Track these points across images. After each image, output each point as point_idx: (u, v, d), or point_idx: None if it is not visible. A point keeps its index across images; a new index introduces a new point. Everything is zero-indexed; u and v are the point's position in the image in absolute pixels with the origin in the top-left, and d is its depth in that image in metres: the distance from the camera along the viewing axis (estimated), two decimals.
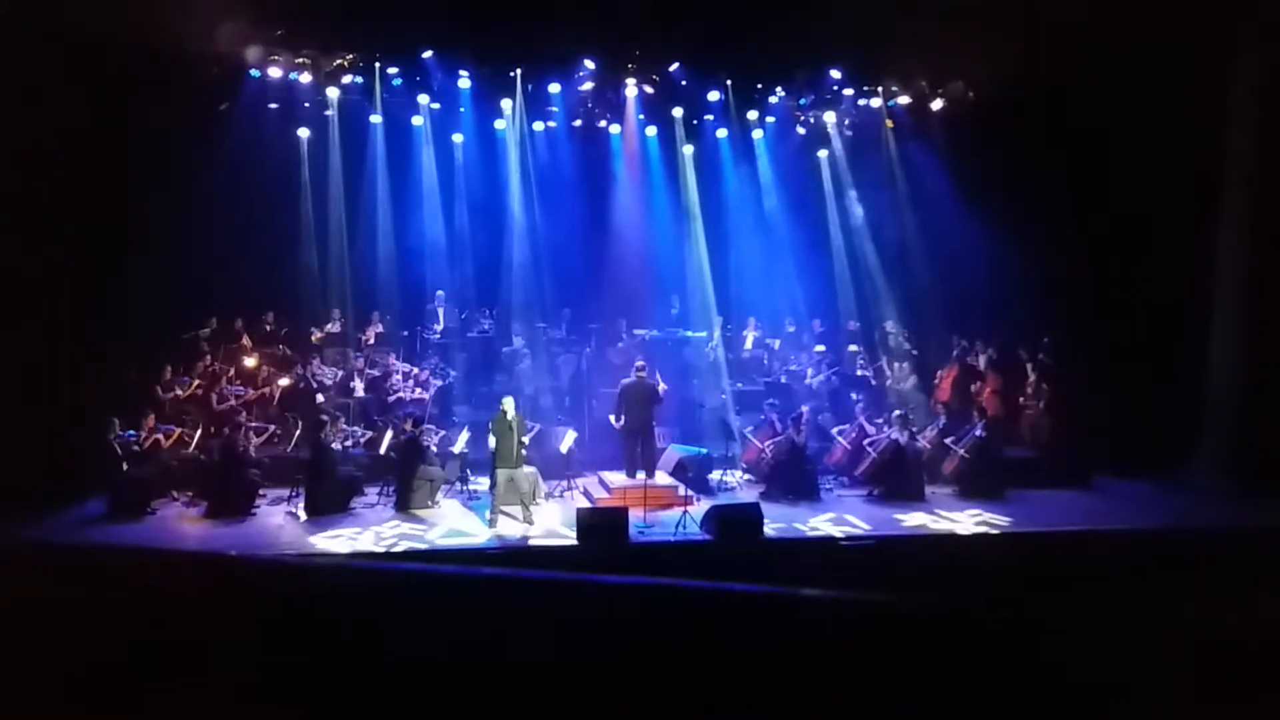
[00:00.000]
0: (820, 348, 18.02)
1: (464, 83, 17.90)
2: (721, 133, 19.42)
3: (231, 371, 15.95)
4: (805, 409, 15.39)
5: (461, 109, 18.43)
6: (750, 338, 18.59)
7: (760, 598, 2.29)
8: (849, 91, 18.94)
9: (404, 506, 13.47)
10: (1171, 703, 2.27)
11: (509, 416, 13.22)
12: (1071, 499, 14.54)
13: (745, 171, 19.45)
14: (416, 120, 18.41)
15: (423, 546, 11.94)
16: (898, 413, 15.28)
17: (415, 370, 16.45)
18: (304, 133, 17.67)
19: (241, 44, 16.15)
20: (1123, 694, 2.25)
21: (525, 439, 13.52)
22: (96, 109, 14.40)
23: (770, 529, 12.35)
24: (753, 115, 19.21)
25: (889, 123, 19.19)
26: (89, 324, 14.30)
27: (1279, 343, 14.93)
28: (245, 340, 16.79)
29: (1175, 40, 14.84)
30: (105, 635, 2.28)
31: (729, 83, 18.64)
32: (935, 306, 18.31)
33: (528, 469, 13.29)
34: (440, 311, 18.06)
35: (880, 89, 18.87)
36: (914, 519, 13.38)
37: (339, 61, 17.37)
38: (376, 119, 18.04)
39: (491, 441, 13.27)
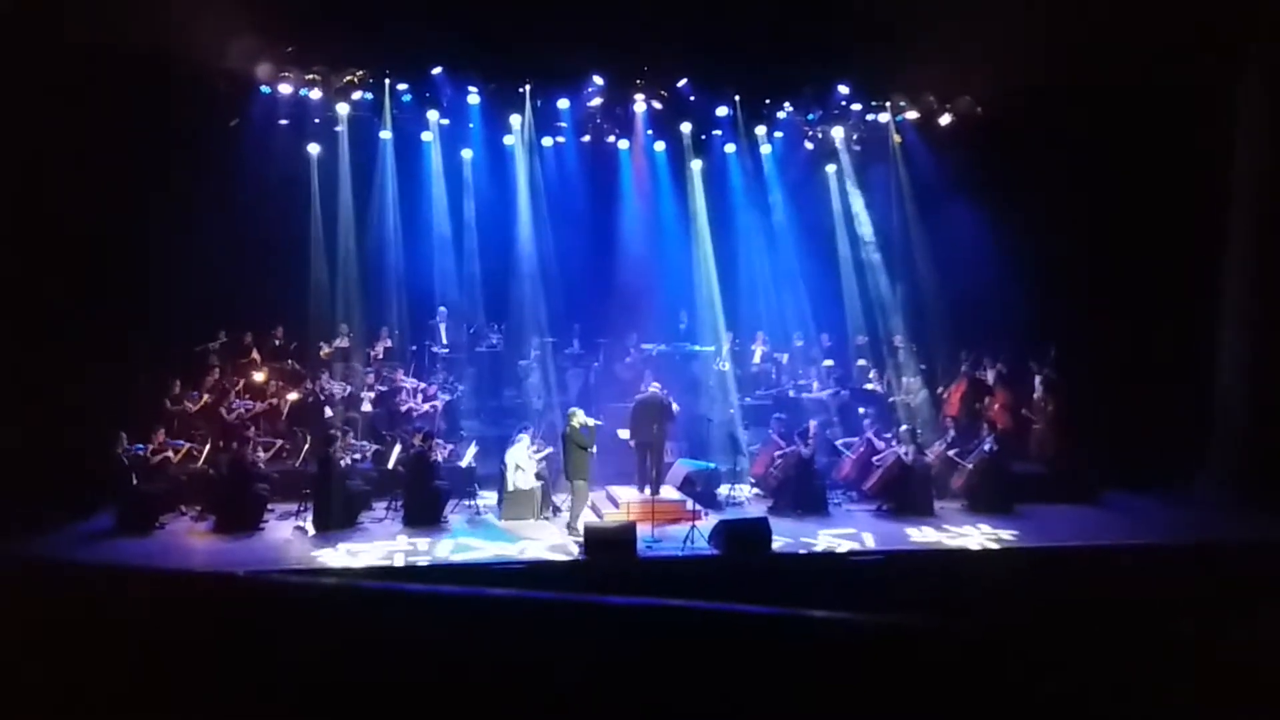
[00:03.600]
0: (828, 362, 18.02)
1: (473, 99, 17.97)
2: (730, 148, 19.44)
3: (240, 385, 15.97)
4: (813, 423, 15.38)
5: (471, 125, 18.50)
6: (758, 352, 18.58)
7: (767, 619, 2.29)
8: (857, 106, 18.97)
9: (411, 521, 13.47)
10: (1177, 717, 2.27)
11: (590, 424, 13.26)
12: (1080, 513, 14.51)
13: (753, 186, 19.45)
14: (426, 136, 18.48)
15: (430, 561, 11.94)
16: (905, 427, 15.26)
17: (423, 385, 16.47)
18: (314, 148, 17.71)
19: (252, 60, 16.23)
20: (1129, 709, 2.25)
21: (593, 448, 13.54)
22: (108, 123, 14.47)
23: (778, 543, 12.34)
24: (761, 130, 19.25)
25: (897, 137, 19.19)
26: (97, 337, 14.35)
27: None
28: (254, 354, 16.84)
29: (1182, 48, 14.83)
30: (110, 652, 2.29)
31: (737, 98, 18.67)
32: (943, 320, 18.29)
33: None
34: (442, 328, 18.08)
35: (888, 104, 18.89)
36: (922, 534, 13.37)
37: (349, 78, 17.43)
38: (386, 135, 18.09)
39: (570, 451, 13.30)
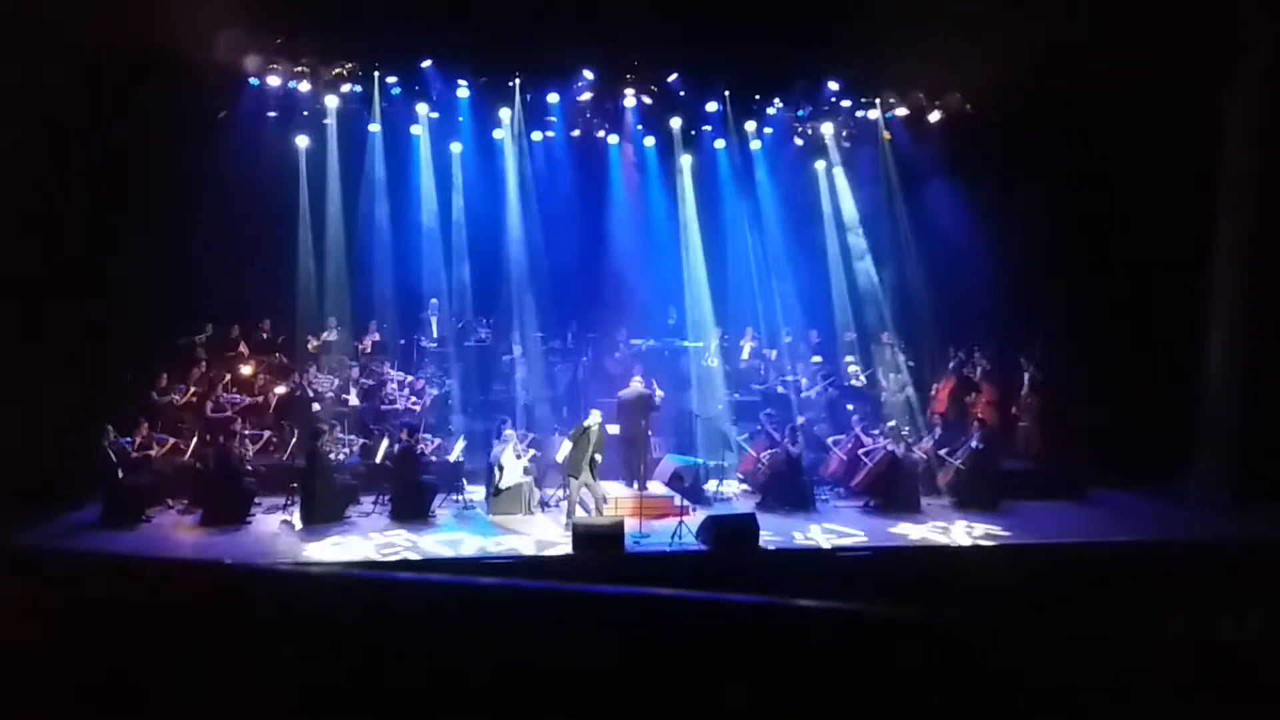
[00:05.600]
0: (817, 358, 18.03)
1: (463, 92, 17.90)
2: (719, 143, 19.41)
3: (227, 379, 15.89)
4: (801, 419, 15.41)
5: (460, 118, 18.41)
6: (747, 348, 18.58)
7: (755, 608, 2.29)
8: (846, 103, 18.99)
9: (399, 515, 13.45)
10: (1165, 714, 2.27)
11: (584, 426, 13.31)
12: (1066, 510, 14.57)
13: (743, 182, 19.45)
14: (415, 129, 18.39)
15: (418, 556, 11.93)
16: (893, 423, 15.29)
17: (411, 379, 16.43)
18: (302, 141, 17.63)
19: (241, 52, 16.16)
20: (1116, 706, 2.25)
21: (598, 456, 13.45)
22: (96, 115, 14.40)
23: (766, 539, 12.35)
24: (751, 126, 19.24)
25: (886, 134, 19.21)
26: (85, 329, 14.28)
27: (1274, 354, 14.97)
28: (242, 347, 16.77)
29: (1174, 47, 14.86)
30: (98, 643, 2.27)
31: (727, 93, 18.68)
32: (932, 317, 18.33)
33: (593, 481, 13.28)
34: (434, 320, 18.03)
35: (878, 100, 18.91)
36: (909, 530, 13.39)
37: (338, 70, 17.37)
38: (375, 128, 17.99)
39: (566, 447, 13.29)
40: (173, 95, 15.47)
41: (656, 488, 14.45)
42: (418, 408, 15.87)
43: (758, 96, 18.94)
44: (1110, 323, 16.54)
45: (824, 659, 2.25)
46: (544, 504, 14.17)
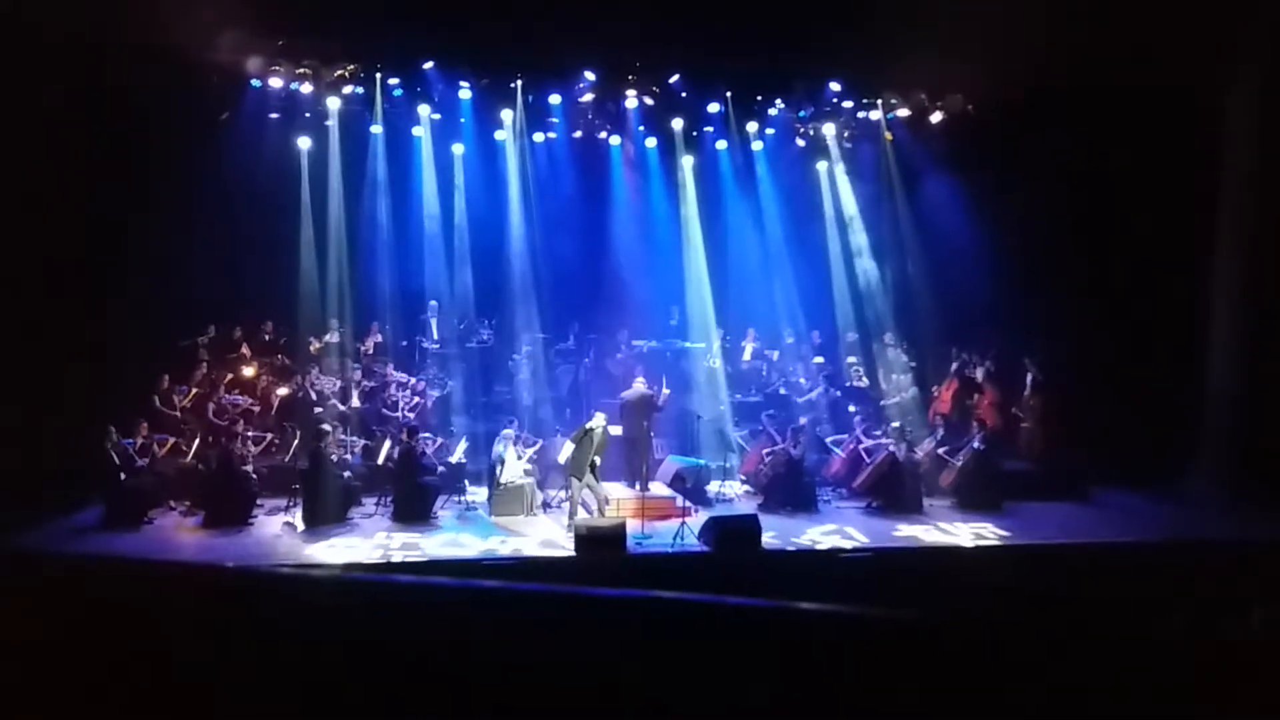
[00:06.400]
0: (819, 359, 18.03)
1: (464, 93, 17.90)
2: (721, 144, 19.40)
3: (229, 380, 15.91)
4: (803, 420, 15.39)
5: (462, 120, 18.41)
6: (749, 349, 18.59)
7: (757, 610, 2.29)
8: (848, 104, 18.98)
9: (401, 517, 13.45)
10: (1165, 714, 2.27)
11: (587, 428, 13.30)
12: (1068, 511, 14.55)
13: (744, 183, 19.45)
14: (417, 131, 18.39)
15: (420, 557, 11.92)
16: (895, 425, 15.28)
17: (412, 380, 16.42)
18: (304, 142, 17.63)
19: (243, 53, 16.17)
20: (1119, 707, 2.25)
21: (598, 458, 13.39)
22: (98, 117, 14.41)
23: (768, 540, 12.34)
24: (752, 127, 19.24)
25: (888, 135, 19.21)
26: (87, 331, 14.28)
27: (1275, 355, 14.96)
28: (244, 349, 16.78)
29: (1174, 47, 14.86)
30: (99, 646, 2.27)
31: (729, 94, 18.67)
32: (935, 318, 18.31)
33: (595, 483, 13.27)
34: (433, 322, 18.04)
35: (879, 101, 18.90)
36: (912, 531, 13.38)
37: (340, 72, 17.36)
38: (377, 129, 17.99)
39: (569, 448, 13.32)
40: (174, 97, 15.48)
41: (658, 489, 14.45)
42: (419, 404, 15.87)
43: (759, 97, 18.94)
44: (1111, 323, 16.55)
45: (826, 661, 2.25)
46: (546, 505, 14.17)
